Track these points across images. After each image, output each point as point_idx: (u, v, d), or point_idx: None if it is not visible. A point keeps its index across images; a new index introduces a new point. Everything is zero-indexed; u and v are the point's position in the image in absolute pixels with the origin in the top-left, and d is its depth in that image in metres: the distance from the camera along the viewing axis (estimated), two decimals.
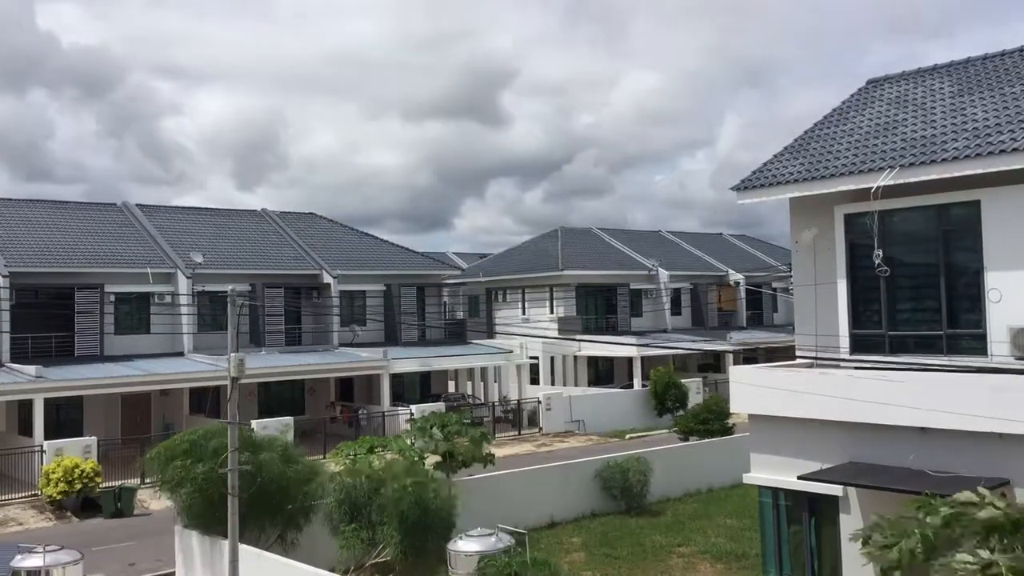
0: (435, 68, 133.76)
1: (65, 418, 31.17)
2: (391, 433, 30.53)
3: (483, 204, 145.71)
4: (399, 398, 37.48)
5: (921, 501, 10.19)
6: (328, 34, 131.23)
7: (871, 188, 12.95)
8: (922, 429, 12.18)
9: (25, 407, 28.68)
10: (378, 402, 36.21)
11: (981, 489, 9.96)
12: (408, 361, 37.50)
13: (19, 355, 30.81)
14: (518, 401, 39.59)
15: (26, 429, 28.50)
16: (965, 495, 9.80)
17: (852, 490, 13.01)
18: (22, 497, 25.89)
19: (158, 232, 37.55)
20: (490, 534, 14.93)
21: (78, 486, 24.62)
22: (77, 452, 26.09)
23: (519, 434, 37.28)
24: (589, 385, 45.54)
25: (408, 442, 20.89)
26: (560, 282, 46.86)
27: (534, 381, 44.54)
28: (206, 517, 15.99)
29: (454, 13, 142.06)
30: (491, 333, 45.84)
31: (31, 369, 28.65)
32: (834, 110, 16.69)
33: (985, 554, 8.55)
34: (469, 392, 42.80)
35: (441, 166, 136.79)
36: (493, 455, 21.68)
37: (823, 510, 13.56)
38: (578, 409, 38.72)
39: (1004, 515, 9.24)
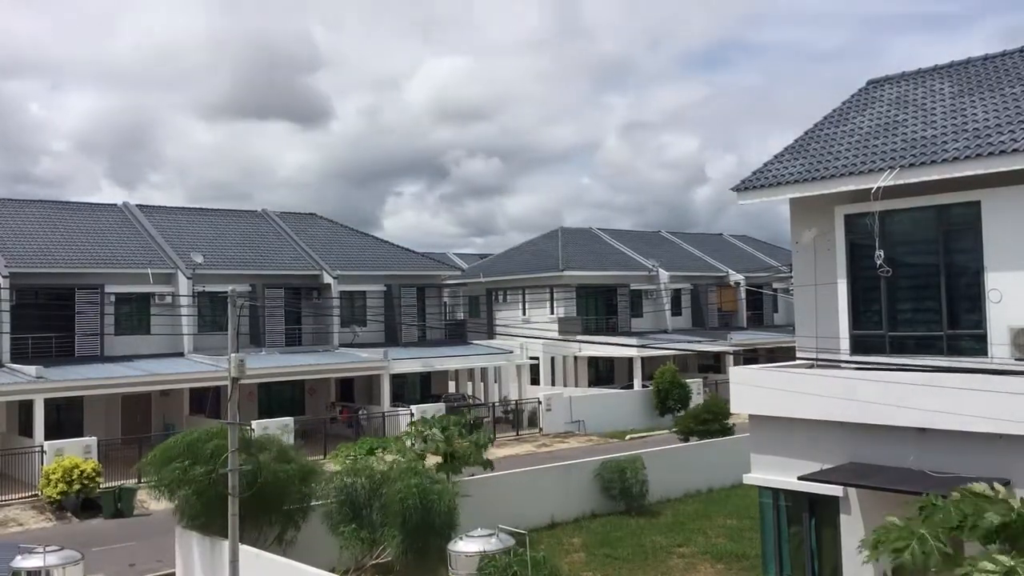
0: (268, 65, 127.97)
1: (65, 418, 31.17)
2: (391, 434, 30.53)
3: (381, 203, 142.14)
4: (399, 399, 37.49)
5: (924, 502, 10.18)
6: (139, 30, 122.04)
7: (871, 189, 12.95)
8: (922, 430, 12.18)
9: (25, 407, 28.69)
10: (378, 403, 36.21)
11: (998, 485, 9.95)
12: (408, 361, 37.51)
13: (19, 355, 30.82)
14: (518, 401, 39.59)
15: (26, 429, 28.51)
16: (980, 486, 9.77)
17: (852, 491, 13.02)
18: (22, 497, 25.88)
19: (158, 232, 37.57)
20: (490, 534, 14.93)
21: (78, 486, 24.62)
22: (77, 452, 26.09)
23: (519, 435, 37.27)
24: (589, 386, 45.56)
25: (408, 443, 20.88)
26: (560, 282, 46.88)
27: (534, 381, 44.54)
28: (204, 518, 16.00)
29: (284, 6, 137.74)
30: (491, 334, 45.85)
31: (31, 369, 28.65)
32: (834, 110, 16.69)
33: (1006, 559, 8.50)
34: (469, 392, 42.79)
35: (331, 166, 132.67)
36: (491, 462, 21.64)
37: (823, 511, 13.57)
38: (578, 410, 38.72)
39: (1018, 515, 9.20)
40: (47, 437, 27.23)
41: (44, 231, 35.09)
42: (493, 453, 22.29)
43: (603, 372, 47.61)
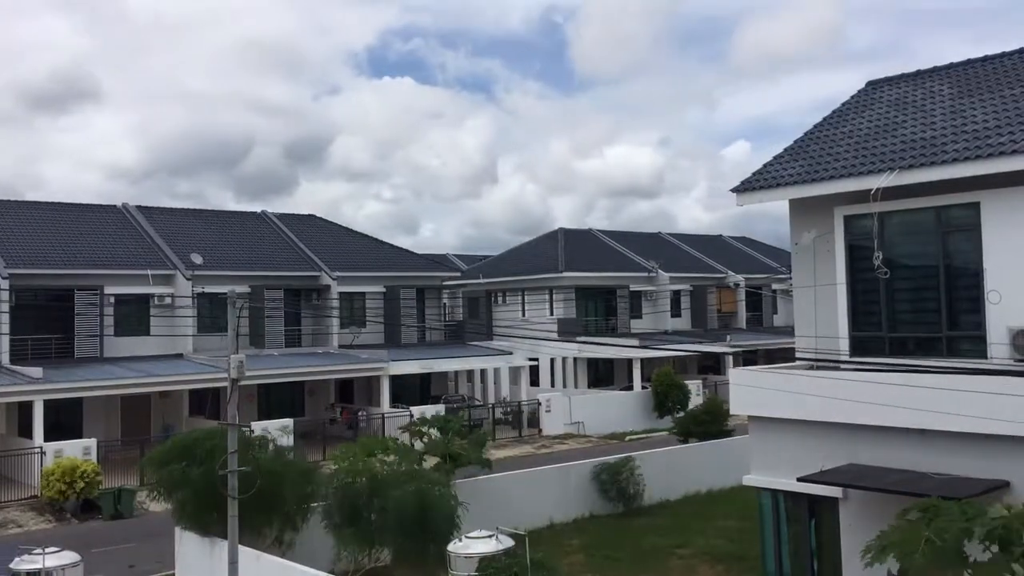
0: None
1: (65, 420, 31.08)
2: (390, 435, 30.50)
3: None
4: (399, 400, 37.46)
5: (927, 503, 10.17)
6: None
7: (871, 190, 12.96)
8: (922, 431, 12.18)
9: (25, 409, 28.67)
10: (378, 404, 36.21)
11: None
12: (408, 363, 37.49)
13: (19, 357, 30.81)
14: (518, 403, 39.58)
15: (26, 431, 28.49)
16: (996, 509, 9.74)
17: (852, 492, 13.01)
18: (22, 499, 25.88)
19: (157, 234, 37.56)
20: (490, 536, 14.91)
21: (78, 488, 24.62)
22: (77, 454, 26.10)
23: (519, 436, 37.27)
24: (589, 387, 45.54)
25: (407, 443, 20.87)
26: (560, 284, 46.87)
27: (534, 383, 44.54)
28: (201, 519, 16.00)
29: None
30: (491, 335, 45.84)
31: (31, 371, 28.65)
32: (834, 112, 16.70)
33: (1019, 568, 8.48)
34: (469, 394, 42.77)
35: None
36: (490, 460, 21.65)
37: (823, 512, 13.57)
38: (578, 411, 38.72)
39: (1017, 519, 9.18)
40: (47, 438, 27.22)
41: (44, 232, 35.09)
42: (493, 454, 22.30)
43: (603, 373, 47.56)
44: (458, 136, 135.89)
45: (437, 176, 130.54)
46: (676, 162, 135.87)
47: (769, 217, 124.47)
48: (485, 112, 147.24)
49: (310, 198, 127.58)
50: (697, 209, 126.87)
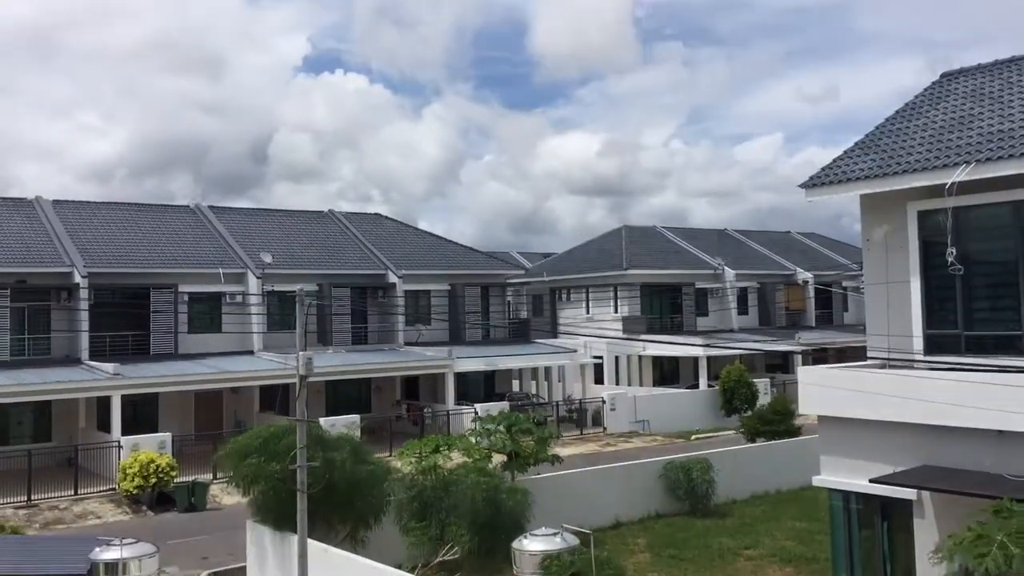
0: None
1: (141, 414, 32.04)
2: (456, 432, 30.72)
3: None
4: (464, 397, 37.71)
5: (999, 506, 9.89)
6: None
7: (945, 184, 12.62)
8: (999, 432, 11.82)
9: (103, 403, 29.59)
10: (443, 401, 36.49)
11: None
12: (472, 360, 37.69)
13: (98, 353, 31.80)
14: (582, 401, 39.50)
15: (104, 425, 29.40)
16: None
17: (926, 494, 12.69)
18: (101, 491, 26.72)
19: (229, 233, 38.40)
20: (555, 533, 14.93)
21: (153, 481, 25.32)
22: (152, 447, 26.84)
23: (582, 434, 37.19)
24: (654, 385, 45.22)
25: (473, 441, 20.97)
26: (624, 281, 46.63)
27: (598, 381, 44.38)
28: (278, 513, 16.22)
29: None
30: (555, 333, 45.81)
31: (109, 367, 29.55)
32: (907, 104, 16.27)
33: None
34: (533, 391, 42.83)
35: None
36: (559, 456, 21.66)
37: (896, 514, 13.25)
38: (643, 409, 38.48)
39: None
40: (124, 432, 28.06)
41: (121, 233, 36.16)
42: (557, 452, 22.26)
43: (668, 371, 47.20)
44: (429, 134, 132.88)
45: (406, 176, 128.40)
46: (683, 158, 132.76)
47: (777, 213, 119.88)
48: (468, 109, 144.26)
49: (297, 198, 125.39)
50: (703, 205, 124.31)
